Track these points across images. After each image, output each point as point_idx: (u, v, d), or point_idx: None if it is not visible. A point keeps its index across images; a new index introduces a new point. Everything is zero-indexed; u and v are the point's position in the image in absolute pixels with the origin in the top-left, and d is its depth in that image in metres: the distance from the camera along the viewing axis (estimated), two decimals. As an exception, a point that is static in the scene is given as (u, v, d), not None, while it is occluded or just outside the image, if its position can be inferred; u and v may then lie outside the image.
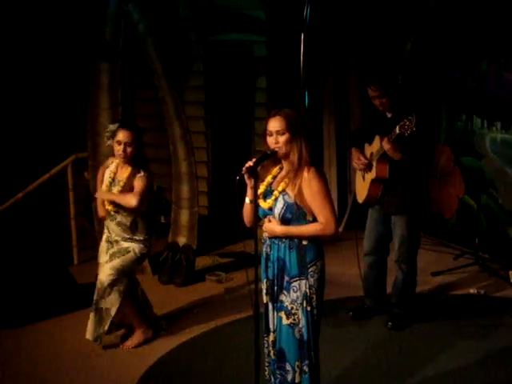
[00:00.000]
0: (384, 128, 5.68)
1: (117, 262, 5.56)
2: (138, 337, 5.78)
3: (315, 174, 4.02)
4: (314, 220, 4.06)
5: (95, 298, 5.60)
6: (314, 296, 4.10)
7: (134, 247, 5.58)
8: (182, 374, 5.39)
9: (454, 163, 7.89)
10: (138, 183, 5.47)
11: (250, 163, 4.06)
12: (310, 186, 4.00)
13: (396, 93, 5.79)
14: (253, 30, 7.97)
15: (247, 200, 4.15)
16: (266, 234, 4.17)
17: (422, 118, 5.42)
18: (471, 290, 6.68)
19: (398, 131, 5.39)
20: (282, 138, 4.05)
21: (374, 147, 5.83)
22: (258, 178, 4.09)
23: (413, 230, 5.85)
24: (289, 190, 4.05)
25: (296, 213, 4.05)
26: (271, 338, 4.21)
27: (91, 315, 5.63)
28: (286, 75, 7.97)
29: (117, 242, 5.62)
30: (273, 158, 4.13)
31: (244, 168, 4.05)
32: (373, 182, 5.83)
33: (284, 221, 4.08)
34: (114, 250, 5.61)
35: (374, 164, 5.78)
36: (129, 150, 5.43)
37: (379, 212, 5.97)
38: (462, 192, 7.84)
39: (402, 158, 5.60)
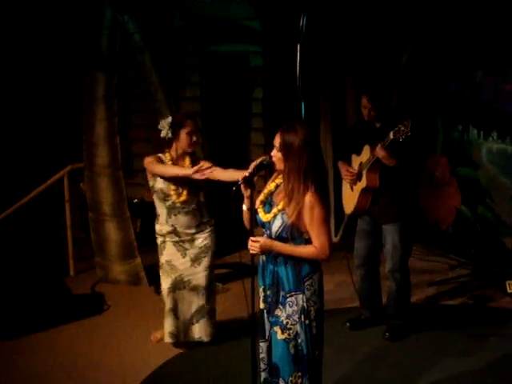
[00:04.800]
0: (374, 137, 5.69)
1: (205, 261, 5.74)
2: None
3: (318, 201, 3.95)
4: (310, 238, 4.03)
5: (201, 303, 5.73)
6: (312, 309, 4.08)
7: (208, 239, 5.76)
8: (178, 384, 5.40)
9: (450, 173, 7.90)
10: (206, 162, 5.66)
11: (246, 173, 4.06)
12: (311, 213, 3.95)
13: (385, 104, 5.80)
14: (249, 40, 7.98)
15: (244, 207, 4.14)
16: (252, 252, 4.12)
17: (414, 125, 5.42)
18: (468, 300, 6.68)
19: (392, 137, 5.41)
20: (277, 155, 4.03)
21: (363, 157, 5.83)
22: (254, 188, 4.08)
23: (404, 239, 5.84)
24: (288, 211, 4.00)
25: (292, 233, 4.02)
26: (266, 343, 4.19)
27: (204, 320, 5.77)
28: (283, 86, 7.97)
29: (190, 242, 5.72)
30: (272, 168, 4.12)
31: (240, 178, 4.05)
32: (363, 191, 5.82)
33: (280, 239, 4.06)
34: (196, 252, 5.74)
35: (365, 173, 5.77)
36: (197, 138, 5.68)
37: (368, 223, 5.97)
38: (458, 202, 7.85)
39: (397, 164, 5.60)
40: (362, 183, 5.80)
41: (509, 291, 6.68)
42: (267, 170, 4.29)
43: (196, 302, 5.75)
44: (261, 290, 4.19)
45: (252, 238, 4.06)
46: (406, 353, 5.72)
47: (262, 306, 4.20)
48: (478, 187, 7.60)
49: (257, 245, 4.04)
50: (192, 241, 5.73)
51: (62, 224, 7.61)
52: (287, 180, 3.99)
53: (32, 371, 5.60)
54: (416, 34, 7.94)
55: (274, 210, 4.07)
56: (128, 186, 7.16)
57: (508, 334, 5.93)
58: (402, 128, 5.35)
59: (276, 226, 4.05)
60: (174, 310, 5.76)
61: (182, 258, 5.72)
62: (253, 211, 4.10)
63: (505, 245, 7.36)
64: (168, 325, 5.78)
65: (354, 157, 5.97)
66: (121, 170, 7.20)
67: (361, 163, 5.85)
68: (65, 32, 7.60)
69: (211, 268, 5.77)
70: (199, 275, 5.73)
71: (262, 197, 4.17)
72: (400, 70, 8.14)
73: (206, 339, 5.79)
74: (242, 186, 4.05)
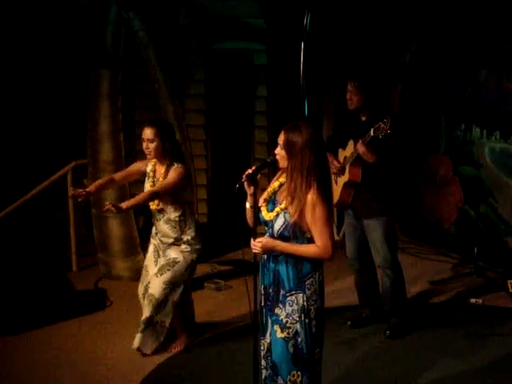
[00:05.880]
0: (358, 132, 5.72)
1: (168, 275, 5.57)
2: (183, 341, 5.79)
3: (320, 200, 3.94)
4: (312, 237, 4.03)
5: (149, 314, 5.57)
6: (312, 308, 4.07)
7: (179, 255, 5.59)
8: (180, 382, 5.39)
9: (453, 172, 7.90)
10: (171, 174, 5.49)
11: (250, 171, 4.07)
12: (313, 212, 3.94)
13: (373, 97, 5.80)
14: (253, 38, 7.98)
15: (247, 205, 4.15)
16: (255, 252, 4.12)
17: (394, 123, 5.44)
18: (470, 300, 6.67)
19: (372, 134, 5.46)
20: (280, 153, 4.03)
21: (347, 151, 5.87)
22: (257, 186, 4.08)
23: (389, 234, 5.86)
24: (290, 210, 4.00)
25: (294, 232, 4.02)
26: (267, 340, 4.19)
27: (144, 330, 5.60)
28: (286, 84, 7.98)
29: (164, 250, 5.63)
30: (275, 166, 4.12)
31: (244, 175, 4.05)
32: (345, 185, 5.85)
33: (282, 238, 4.06)
34: (163, 263, 5.61)
35: (347, 168, 5.81)
36: (151, 146, 5.50)
37: (354, 217, 5.99)
38: (460, 201, 7.85)
39: (376, 161, 5.62)
40: (345, 177, 5.84)
41: (511, 290, 6.69)
42: (270, 168, 4.29)
43: (146, 311, 5.63)
44: (261, 288, 4.19)
45: (254, 240, 4.07)
46: (407, 351, 5.72)
47: (262, 302, 4.20)
48: (480, 186, 7.60)
49: (259, 244, 4.05)
50: (165, 250, 5.64)
51: (65, 220, 7.62)
52: (290, 178, 4.00)
53: (33, 366, 5.62)
54: (420, 33, 7.94)
55: (277, 208, 4.07)
56: (131, 182, 7.17)
57: (510, 333, 5.94)
58: (382, 125, 5.39)
59: (278, 224, 4.05)
60: None
61: (154, 265, 5.67)
62: (256, 209, 4.10)
63: (507, 244, 7.36)
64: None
65: (340, 151, 5.99)
66: (124, 167, 7.20)
67: (345, 157, 5.88)
68: (70, 28, 7.60)
69: (172, 284, 5.56)
70: (156, 285, 5.57)
71: (265, 195, 4.17)
72: (404, 69, 8.15)
73: (144, 351, 5.65)
74: (245, 184, 4.06)
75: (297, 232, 4.02)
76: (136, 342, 5.63)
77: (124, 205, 5.37)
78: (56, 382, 5.40)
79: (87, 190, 5.54)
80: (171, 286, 5.57)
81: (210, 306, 6.65)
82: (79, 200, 5.52)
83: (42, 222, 8.15)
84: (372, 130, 5.47)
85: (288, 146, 3.98)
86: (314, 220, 3.96)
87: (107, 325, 6.30)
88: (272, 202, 4.13)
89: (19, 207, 7.36)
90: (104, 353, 5.80)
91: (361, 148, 5.60)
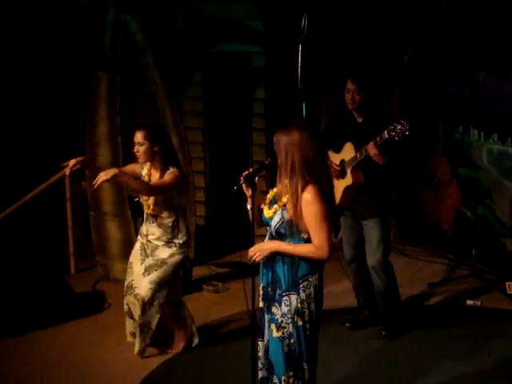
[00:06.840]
0: (356, 134, 5.71)
1: (155, 274, 5.53)
2: (181, 341, 5.77)
3: (316, 198, 3.95)
4: (309, 237, 4.04)
5: (139, 313, 5.54)
6: (307, 311, 4.08)
7: (167, 255, 5.55)
8: (178, 382, 5.40)
9: (450, 174, 7.91)
10: (166, 177, 5.43)
11: (247, 172, 4.08)
12: (309, 209, 3.96)
13: (371, 99, 5.79)
14: (251, 40, 7.99)
15: (248, 207, 4.17)
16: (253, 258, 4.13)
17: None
18: (468, 301, 6.67)
19: (386, 136, 5.42)
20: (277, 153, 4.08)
21: (345, 154, 5.83)
22: (255, 188, 4.09)
23: (385, 235, 5.87)
24: (289, 206, 4.01)
25: (290, 229, 4.03)
26: (264, 342, 4.20)
27: (138, 330, 5.59)
28: (284, 86, 7.98)
29: (152, 251, 5.59)
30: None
31: (241, 177, 4.06)
32: (347, 188, 5.83)
33: (278, 235, 4.07)
34: (150, 263, 5.57)
35: (349, 171, 5.78)
36: (141, 149, 5.44)
37: (351, 218, 5.99)
38: (458, 203, 7.86)
39: (386, 163, 5.61)
40: (347, 181, 5.81)
41: (509, 292, 6.70)
42: (269, 170, 4.31)
43: (136, 314, 5.60)
44: (260, 287, 4.21)
45: (253, 242, 4.09)
46: (406, 353, 5.73)
47: (261, 304, 4.22)
48: (478, 188, 7.61)
49: (255, 250, 4.07)
50: (154, 250, 5.59)
51: (63, 222, 7.61)
52: (279, 176, 4.04)
53: (33, 367, 5.61)
54: (418, 35, 7.95)
55: (275, 206, 4.09)
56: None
57: (507, 335, 5.95)
58: (399, 127, 5.37)
59: (275, 221, 4.07)
60: (129, 314, 5.66)
61: (140, 264, 5.63)
62: (254, 211, 4.11)
63: (505, 246, 7.37)
64: (128, 325, 5.73)
65: (331, 153, 5.96)
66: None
67: (343, 160, 5.86)
68: (68, 31, 7.60)
69: (158, 284, 5.50)
70: (143, 286, 5.53)
71: (270, 195, 4.20)
72: (402, 71, 8.15)
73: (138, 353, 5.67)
74: (243, 186, 4.07)
75: (293, 230, 4.03)
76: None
77: (118, 170, 5.31)
78: (56, 382, 5.41)
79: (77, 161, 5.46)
80: (158, 286, 5.53)
81: (208, 307, 6.65)
82: (75, 169, 5.47)
83: (40, 224, 8.14)
84: (386, 131, 5.42)
85: (275, 144, 4.03)
86: (310, 218, 3.97)
87: (106, 326, 6.30)
88: (274, 202, 4.15)
89: (18, 209, 7.34)
90: (104, 353, 5.80)
91: (373, 150, 5.55)
